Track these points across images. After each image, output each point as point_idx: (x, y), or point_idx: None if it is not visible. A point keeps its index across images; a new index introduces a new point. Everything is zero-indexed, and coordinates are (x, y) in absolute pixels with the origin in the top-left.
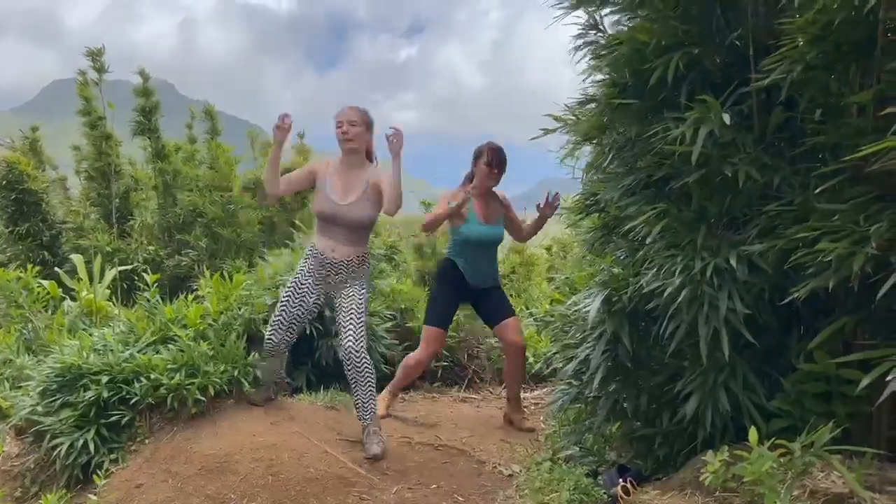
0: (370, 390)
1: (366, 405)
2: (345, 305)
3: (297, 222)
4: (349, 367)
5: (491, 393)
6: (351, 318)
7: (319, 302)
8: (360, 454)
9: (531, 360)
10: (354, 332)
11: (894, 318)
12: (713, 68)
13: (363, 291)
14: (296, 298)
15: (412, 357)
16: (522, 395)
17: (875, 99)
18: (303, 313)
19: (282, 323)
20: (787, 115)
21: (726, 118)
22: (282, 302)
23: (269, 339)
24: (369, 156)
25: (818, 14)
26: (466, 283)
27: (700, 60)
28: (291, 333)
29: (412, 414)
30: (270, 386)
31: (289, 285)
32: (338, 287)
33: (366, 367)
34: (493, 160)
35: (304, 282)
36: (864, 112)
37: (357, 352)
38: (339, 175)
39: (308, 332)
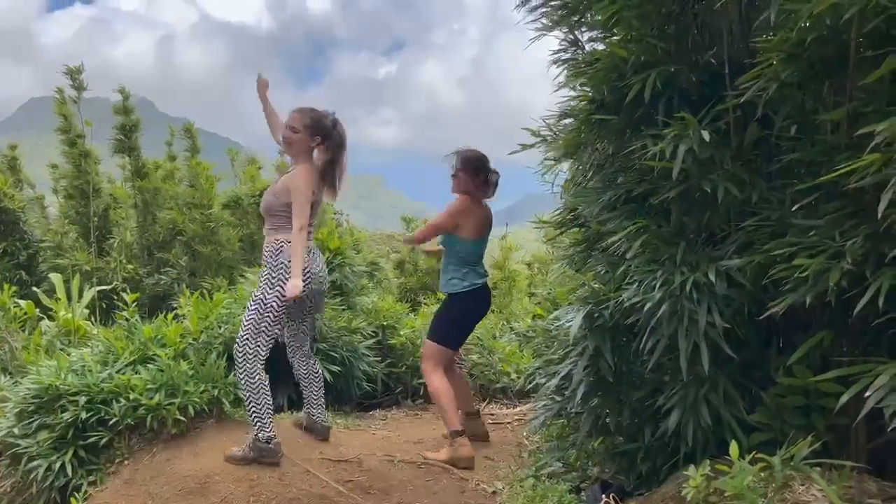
0: (248, 389)
1: (246, 404)
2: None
3: None
4: (236, 363)
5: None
6: (245, 314)
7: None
8: (343, 473)
9: (514, 375)
10: (239, 336)
11: (871, 332)
12: (689, 86)
13: (263, 287)
14: None
15: None
16: (505, 411)
17: (848, 116)
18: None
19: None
20: (763, 133)
21: (705, 135)
22: None
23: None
24: (331, 157)
25: (791, 33)
26: None
27: (677, 78)
28: (294, 347)
29: (395, 432)
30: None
31: None
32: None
33: (245, 364)
34: (452, 164)
35: None
36: (838, 129)
37: (239, 350)
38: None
39: None
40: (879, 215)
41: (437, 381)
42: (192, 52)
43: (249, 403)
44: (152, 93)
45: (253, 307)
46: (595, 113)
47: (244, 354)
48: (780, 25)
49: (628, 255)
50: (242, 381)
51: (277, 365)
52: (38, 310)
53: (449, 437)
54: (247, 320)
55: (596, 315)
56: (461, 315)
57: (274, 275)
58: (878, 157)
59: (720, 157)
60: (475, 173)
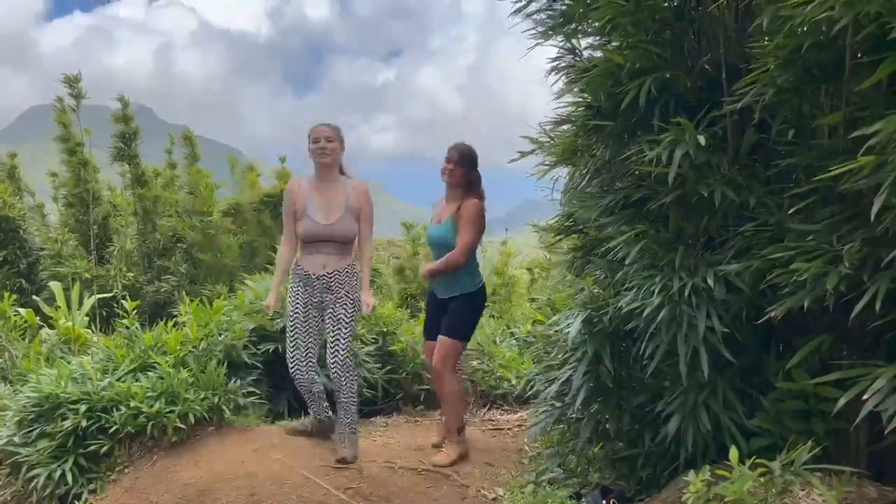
0: (354, 394)
1: (349, 407)
2: (334, 317)
3: (278, 247)
4: (341, 376)
5: (474, 416)
6: (339, 330)
7: (320, 318)
8: (344, 480)
9: (514, 381)
10: (343, 344)
11: (869, 335)
12: (685, 91)
13: (352, 305)
14: (303, 326)
15: None
16: (506, 417)
17: (845, 121)
18: (314, 336)
19: (299, 356)
20: (759, 137)
21: (701, 140)
22: (291, 335)
23: (296, 377)
24: (341, 169)
25: (787, 38)
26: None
27: (673, 84)
28: (313, 361)
29: (395, 438)
30: (315, 423)
31: (290, 316)
32: (331, 299)
33: (352, 374)
34: (449, 155)
35: (305, 307)
36: (835, 133)
37: (347, 364)
38: (317, 193)
39: None
40: (872, 218)
41: (455, 383)
42: (191, 60)
43: (352, 407)
44: (152, 100)
45: (348, 327)
46: (592, 119)
47: (349, 367)
48: (775, 31)
49: (627, 261)
50: (351, 391)
51: (277, 371)
52: (38, 318)
53: (455, 434)
54: (345, 337)
55: (595, 320)
56: (478, 311)
57: (352, 295)
58: (871, 160)
59: (717, 161)
60: (472, 168)
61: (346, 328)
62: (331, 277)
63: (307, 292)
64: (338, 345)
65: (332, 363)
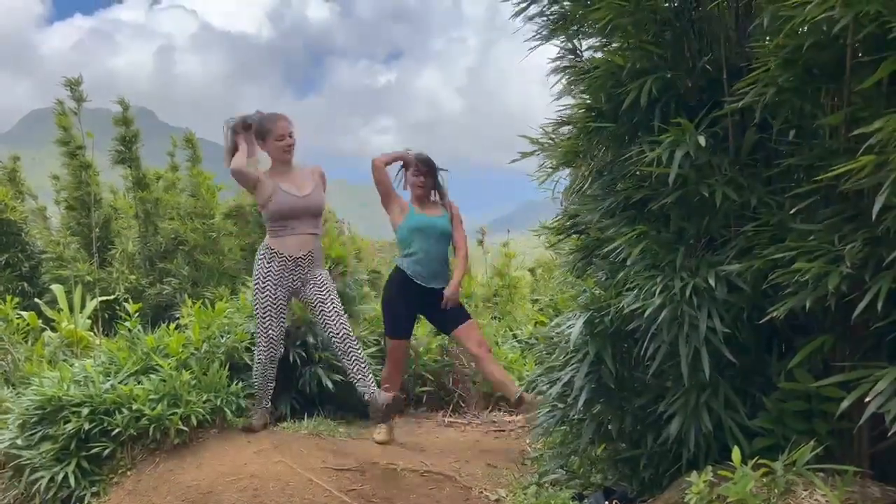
0: (366, 364)
1: (368, 375)
2: (332, 305)
3: None
4: (354, 356)
5: (476, 417)
6: (334, 306)
7: (290, 302)
8: (346, 482)
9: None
10: (342, 317)
11: (871, 335)
12: (686, 92)
13: (333, 286)
14: (274, 310)
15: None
16: (508, 418)
17: (846, 121)
18: (285, 320)
19: (274, 338)
20: (760, 137)
21: (702, 140)
22: (263, 319)
23: (273, 358)
24: None
25: (787, 38)
26: (414, 285)
27: (674, 84)
28: (282, 345)
29: (397, 440)
30: (263, 412)
31: (263, 299)
32: (310, 280)
33: (357, 345)
34: (418, 169)
35: (276, 290)
36: (836, 133)
37: (350, 335)
38: (284, 177)
39: (291, 359)
40: (874, 217)
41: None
42: (192, 62)
43: (370, 373)
44: (153, 102)
45: (341, 311)
46: (593, 120)
47: (352, 337)
48: (775, 31)
49: (628, 262)
50: (365, 363)
51: (279, 374)
52: (40, 321)
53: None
54: (346, 321)
55: (597, 321)
56: None
57: (327, 276)
58: (871, 159)
59: (718, 161)
60: (435, 177)
61: (342, 313)
62: (309, 258)
63: (281, 276)
64: (343, 329)
65: (346, 350)
